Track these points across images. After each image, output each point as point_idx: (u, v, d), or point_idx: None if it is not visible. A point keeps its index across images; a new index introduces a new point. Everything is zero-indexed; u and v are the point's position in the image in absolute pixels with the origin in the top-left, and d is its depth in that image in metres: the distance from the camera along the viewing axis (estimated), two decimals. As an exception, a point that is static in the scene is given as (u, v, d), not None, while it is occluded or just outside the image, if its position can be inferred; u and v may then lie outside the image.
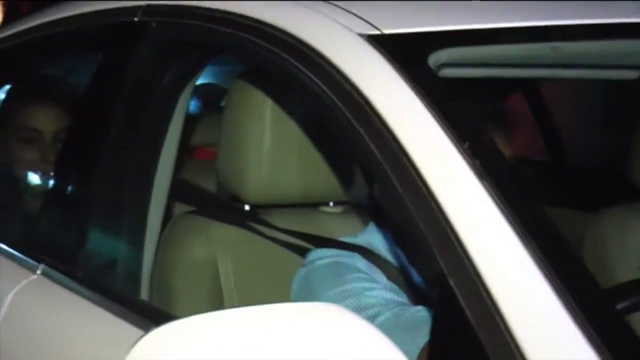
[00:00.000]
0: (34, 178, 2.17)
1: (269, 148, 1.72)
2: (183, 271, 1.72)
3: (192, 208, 1.89)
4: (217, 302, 1.72)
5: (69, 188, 1.69)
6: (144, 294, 1.63)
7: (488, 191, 1.04)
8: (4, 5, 5.50)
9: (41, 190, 2.19)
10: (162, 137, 1.68)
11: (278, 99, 1.72)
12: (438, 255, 1.03)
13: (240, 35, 1.49)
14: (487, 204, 1.03)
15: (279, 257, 1.76)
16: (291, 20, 1.43)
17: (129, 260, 1.62)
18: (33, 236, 1.76)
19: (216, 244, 1.75)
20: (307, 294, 1.53)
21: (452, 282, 1.00)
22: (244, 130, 1.73)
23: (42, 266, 1.64)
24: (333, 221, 1.86)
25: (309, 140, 1.76)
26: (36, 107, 2.19)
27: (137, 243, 1.63)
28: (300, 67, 1.36)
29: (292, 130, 1.74)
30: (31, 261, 1.66)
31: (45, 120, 2.17)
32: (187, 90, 1.71)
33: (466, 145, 1.10)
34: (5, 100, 2.26)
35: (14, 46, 2.06)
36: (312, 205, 1.86)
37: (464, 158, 1.09)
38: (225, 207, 1.82)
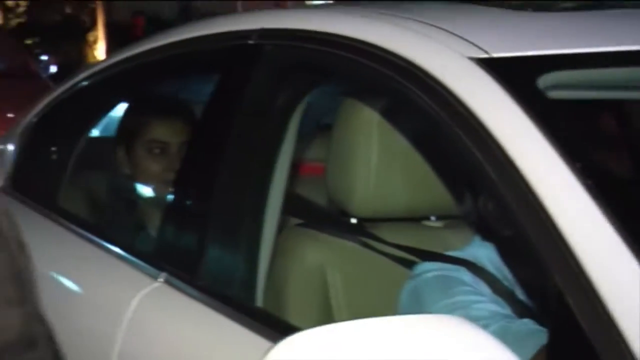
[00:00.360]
0: (157, 188, 2.30)
1: (376, 163, 1.80)
2: (294, 280, 1.81)
3: (300, 221, 1.98)
4: (326, 310, 1.80)
5: (190, 201, 1.80)
6: (259, 301, 1.72)
7: (601, 209, 1.10)
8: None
9: (163, 200, 2.31)
10: (276, 155, 1.77)
11: (385, 116, 1.80)
12: (554, 273, 1.08)
13: (354, 58, 1.58)
14: (600, 223, 1.08)
15: (385, 268, 1.83)
16: (402, 43, 1.51)
17: (246, 269, 1.71)
18: (155, 245, 1.87)
19: (325, 255, 1.83)
20: (416, 306, 1.60)
21: (568, 300, 1.05)
22: (352, 147, 1.82)
23: (164, 274, 1.74)
24: (436, 234, 1.93)
25: (414, 156, 1.83)
26: (164, 121, 2.33)
27: (253, 254, 1.71)
28: (413, 88, 1.44)
29: (398, 147, 1.82)
30: (153, 269, 1.77)
31: (172, 134, 2.31)
32: (299, 110, 1.80)
33: (578, 165, 1.16)
34: (131, 115, 2.39)
35: (138, 65, 2.19)
36: (416, 219, 1.92)
37: (577, 177, 1.15)
38: (334, 220, 1.90)
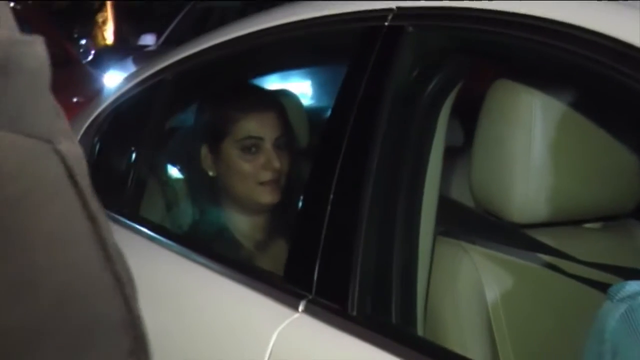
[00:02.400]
0: (255, 192, 2.04)
1: (538, 158, 1.54)
2: (450, 301, 1.55)
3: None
4: (487, 334, 1.54)
5: (328, 213, 1.52)
6: (420, 329, 1.46)
7: None
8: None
9: (270, 206, 2.07)
10: (427, 153, 1.51)
11: (547, 102, 1.53)
12: None
13: (536, 39, 1.31)
14: None
15: (557, 284, 1.57)
16: (610, 22, 1.24)
17: (404, 292, 1.45)
18: (285, 266, 1.60)
19: (480, 269, 1.57)
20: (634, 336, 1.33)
21: None
22: (509, 138, 1.55)
23: (303, 302, 1.48)
24: (596, 238, 1.67)
25: (582, 149, 1.57)
26: (257, 115, 2.07)
27: (411, 272, 1.46)
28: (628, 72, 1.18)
29: (564, 138, 1.55)
30: (291, 297, 1.51)
31: (266, 128, 2.06)
32: (449, 101, 1.54)
33: None
34: (217, 109, 2.12)
35: (233, 52, 1.92)
36: (575, 222, 1.66)
37: None
38: (485, 227, 1.63)
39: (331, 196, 1.51)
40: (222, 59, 1.98)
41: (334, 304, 1.45)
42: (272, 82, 2.33)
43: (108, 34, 15.67)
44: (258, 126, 2.06)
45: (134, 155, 2.24)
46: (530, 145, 1.53)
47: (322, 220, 1.51)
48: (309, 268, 1.51)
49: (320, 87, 2.62)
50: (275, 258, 2.06)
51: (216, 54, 1.96)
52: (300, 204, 1.62)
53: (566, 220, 1.62)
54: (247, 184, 2.07)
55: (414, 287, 1.46)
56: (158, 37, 9.79)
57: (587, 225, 1.68)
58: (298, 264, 1.57)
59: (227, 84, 2.18)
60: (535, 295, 1.57)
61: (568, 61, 1.33)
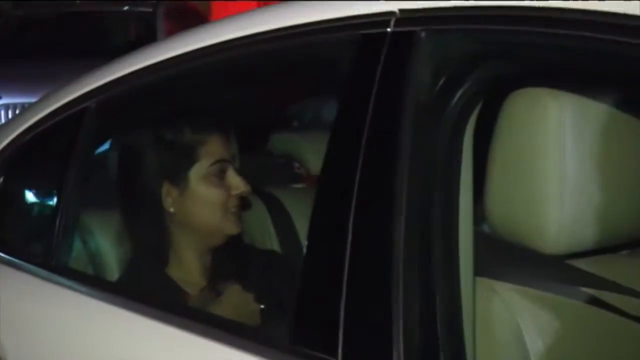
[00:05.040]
0: (230, 225, 1.84)
1: (572, 176, 1.32)
2: (489, 349, 1.31)
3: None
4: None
5: (348, 259, 1.24)
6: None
7: None
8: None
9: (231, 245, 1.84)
10: (457, 180, 1.28)
11: (579, 109, 1.33)
12: None
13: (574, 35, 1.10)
14: None
15: (600, 320, 1.36)
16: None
17: (452, 349, 1.21)
18: (300, 327, 1.32)
19: (516, 312, 1.34)
20: None
21: None
22: (535, 156, 1.33)
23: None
24: (633, 267, 1.47)
25: (621, 162, 1.37)
26: (221, 136, 1.85)
27: (457, 327, 1.22)
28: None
29: (600, 150, 1.34)
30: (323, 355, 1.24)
31: (229, 149, 1.86)
32: (474, 117, 1.31)
33: None
34: (173, 135, 1.85)
35: (186, 71, 1.64)
36: (608, 249, 1.45)
37: None
38: (514, 258, 1.40)
39: (349, 237, 1.25)
40: (171, 79, 1.68)
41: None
42: (237, 105, 2.06)
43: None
44: (224, 147, 1.85)
45: (54, 198, 1.92)
46: (562, 161, 1.32)
47: (341, 267, 1.25)
48: (329, 326, 1.25)
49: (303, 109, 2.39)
50: (238, 308, 1.80)
51: (163, 73, 1.67)
52: (307, 245, 1.35)
53: (603, 248, 1.42)
54: (218, 213, 1.84)
55: (462, 344, 1.22)
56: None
57: (623, 252, 1.48)
58: (311, 320, 1.30)
59: (181, 107, 1.90)
60: (581, 339, 1.35)
61: (608, 59, 1.13)
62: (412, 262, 1.20)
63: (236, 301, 1.82)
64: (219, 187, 1.83)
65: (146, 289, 1.87)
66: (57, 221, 1.84)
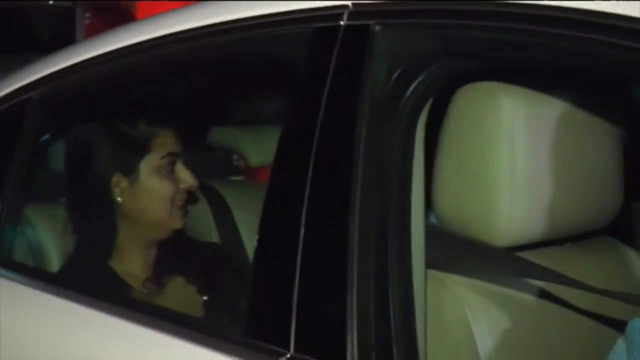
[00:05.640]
0: (175, 219, 1.85)
1: (523, 171, 1.34)
2: (438, 340, 1.33)
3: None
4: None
5: (301, 252, 1.23)
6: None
7: None
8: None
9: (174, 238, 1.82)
10: (409, 174, 1.29)
11: (530, 107, 1.35)
12: None
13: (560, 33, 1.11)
14: None
15: (548, 312, 1.38)
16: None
17: (404, 338, 1.22)
18: (253, 319, 1.31)
19: (464, 301, 1.36)
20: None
21: None
22: (487, 152, 1.35)
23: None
24: (578, 259, 1.50)
25: (566, 158, 1.40)
26: (173, 130, 1.86)
27: (411, 320, 1.23)
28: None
29: (549, 146, 1.37)
30: (261, 356, 1.24)
31: (179, 143, 1.87)
32: (425, 112, 1.32)
33: None
34: (124, 127, 1.86)
35: (131, 63, 1.62)
36: (554, 241, 1.48)
37: None
38: (462, 250, 1.41)
39: (302, 230, 1.25)
40: (117, 71, 1.66)
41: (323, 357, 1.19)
42: (185, 99, 2.05)
43: None
44: (175, 141, 1.86)
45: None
46: (514, 160, 1.34)
47: (294, 260, 1.25)
48: (281, 317, 1.24)
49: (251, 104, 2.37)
50: (180, 300, 1.79)
51: (109, 65, 1.64)
52: (258, 239, 1.34)
53: (550, 240, 1.44)
54: (166, 206, 1.85)
55: (415, 336, 1.23)
56: None
57: (567, 244, 1.51)
58: (262, 312, 1.30)
59: (130, 100, 1.88)
60: (530, 331, 1.38)
61: (561, 54, 1.15)
62: (366, 254, 1.20)
63: (179, 293, 1.81)
64: (168, 180, 1.84)
65: (88, 280, 1.85)
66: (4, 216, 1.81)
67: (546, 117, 1.36)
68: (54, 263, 1.96)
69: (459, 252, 1.40)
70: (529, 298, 1.38)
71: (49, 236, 1.98)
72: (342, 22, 1.33)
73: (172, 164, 1.84)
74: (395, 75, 1.28)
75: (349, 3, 1.35)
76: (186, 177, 1.84)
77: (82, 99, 1.83)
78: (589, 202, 1.44)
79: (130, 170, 1.83)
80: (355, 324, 1.17)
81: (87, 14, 9.37)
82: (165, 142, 1.84)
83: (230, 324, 1.38)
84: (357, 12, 1.33)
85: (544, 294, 1.38)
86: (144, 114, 1.83)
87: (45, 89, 1.79)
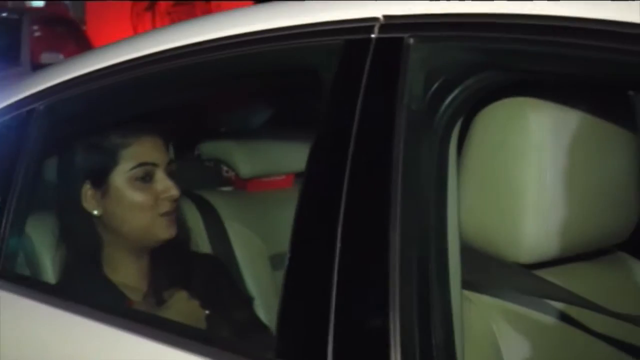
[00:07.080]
0: (156, 227, 1.84)
1: (548, 190, 1.34)
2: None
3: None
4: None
5: (337, 272, 1.21)
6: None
7: None
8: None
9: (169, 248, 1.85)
10: (444, 191, 1.27)
11: (556, 123, 1.34)
12: None
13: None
14: None
15: (566, 334, 1.38)
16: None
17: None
18: (284, 338, 1.28)
19: (492, 321, 1.35)
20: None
21: None
22: (514, 170, 1.34)
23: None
24: (594, 276, 1.50)
25: (591, 174, 1.40)
26: (150, 140, 1.85)
27: (451, 342, 1.21)
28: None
29: (575, 162, 1.37)
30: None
31: (159, 153, 1.84)
32: (458, 125, 1.30)
33: None
34: (98, 139, 1.85)
35: (145, 75, 1.58)
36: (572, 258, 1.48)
37: None
38: (491, 269, 1.40)
39: (339, 245, 1.23)
40: (132, 82, 1.62)
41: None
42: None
43: None
44: (151, 151, 1.83)
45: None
46: (540, 171, 1.33)
47: (330, 277, 1.22)
48: (317, 337, 1.22)
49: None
50: (187, 315, 1.75)
51: (129, 74, 1.61)
52: (290, 254, 1.31)
53: (570, 257, 1.44)
54: (145, 217, 1.83)
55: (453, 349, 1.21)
56: None
57: (585, 261, 1.50)
58: (296, 331, 1.27)
59: (123, 113, 1.85)
60: (550, 353, 1.37)
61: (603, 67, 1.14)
62: (408, 270, 1.18)
63: (184, 308, 1.78)
64: (142, 191, 1.82)
65: (85, 290, 1.82)
66: (3, 225, 1.77)
67: (570, 132, 1.36)
68: (49, 275, 1.93)
69: (484, 270, 1.39)
70: (549, 319, 1.37)
71: (43, 247, 1.94)
72: (373, 35, 1.31)
73: (148, 174, 1.83)
74: (432, 89, 1.26)
75: (379, 15, 1.33)
76: (165, 186, 1.83)
77: (86, 110, 1.79)
78: (609, 218, 1.44)
79: (100, 181, 1.83)
80: (399, 346, 1.15)
81: (35, 27, 9.31)
82: (139, 152, 1.83)
83: (260, 342, 1.34)
84: (388, 24, 1.32)
85: (563, 316, 1.37)
86: (115, 124, 1.83)
87: (50, 100, 1.76)
